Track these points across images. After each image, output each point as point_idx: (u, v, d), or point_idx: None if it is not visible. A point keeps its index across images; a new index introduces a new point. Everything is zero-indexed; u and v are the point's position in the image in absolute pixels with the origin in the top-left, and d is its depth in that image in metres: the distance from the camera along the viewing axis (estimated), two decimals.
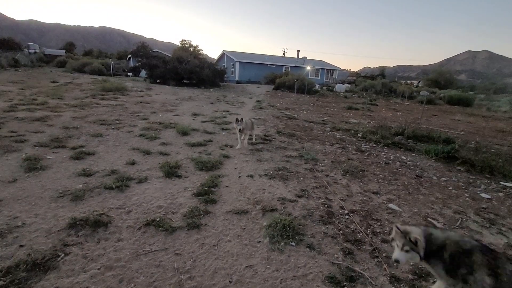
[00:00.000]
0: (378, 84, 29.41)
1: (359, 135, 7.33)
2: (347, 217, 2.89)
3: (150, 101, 10.98)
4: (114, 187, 3.17)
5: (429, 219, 2.96)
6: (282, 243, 2.33)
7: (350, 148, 5.90)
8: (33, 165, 3.63)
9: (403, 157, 5.52)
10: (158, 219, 2.56)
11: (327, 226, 2.67)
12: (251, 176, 3.86)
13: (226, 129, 6.88)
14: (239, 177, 3.83)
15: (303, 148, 5.53)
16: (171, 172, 3.71)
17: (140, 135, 5.66)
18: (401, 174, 4.46)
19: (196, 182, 3.54)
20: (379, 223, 2.81)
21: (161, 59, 20.89)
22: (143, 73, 24.23)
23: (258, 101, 14.48)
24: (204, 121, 7.68)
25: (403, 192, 3.70)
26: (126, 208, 2.77)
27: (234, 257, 2.16)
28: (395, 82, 40.36)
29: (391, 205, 3.22)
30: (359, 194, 3.48)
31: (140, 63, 22.62)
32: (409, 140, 7.20)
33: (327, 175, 4.10)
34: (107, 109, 8.41)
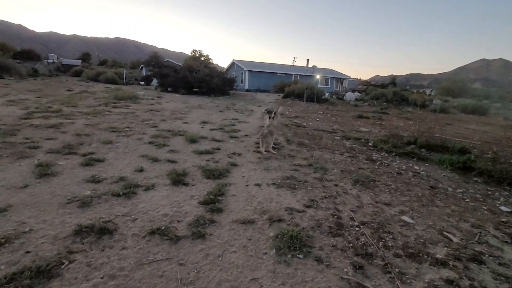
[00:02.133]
0: (389, 93, 29.04)
1: (370, 144, 7.18)
2: (357, 229, 2.78)
3: (160, 109, 11.16)
4: (121, 194, 3.17)
5: (445, 233, 2.81)
6: (289, 255, 2.24)
7: (360, 157, 5.77)
8: (44, 171, 3.70)
9: (416, 167, 5.34)
10: (163, 228, 2.52)
11: (336, 239, 2.57)
12: (258, 185, 3.80)
13: (234, 137, 6.87)
14: (246, 185, 3.77)
15: (312, 157, 5.44)
16: (178, 180, 3.69)
17: (149, 143, 5.71)
18: (414, 185, 4.30)
19: (203, 190, 3.50)
20: (391, 236, 2.68)
21: (172, 68, 21.36)
22: (155, 81, 24.81)
23: (275, 113, 14.49)
24: (213, 129, 7.71)
25: (417, 204, 3.54)
26: (132, 216, 2.75)
27: (239, 268, 2.09)
28: (407, 90, 39.76)
29: (404, 218, 3.08)
30: (370, 205, 3.36)
31: (152, 72, 23.19)
32: (422, 150, 6.99)
33: (336, 185, 3.99)
34: (119, 116, 8.58)
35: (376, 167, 5.18)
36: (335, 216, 2.99)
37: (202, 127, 7.96)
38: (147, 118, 8.65)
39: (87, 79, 28.01)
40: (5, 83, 16.82)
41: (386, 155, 6.22)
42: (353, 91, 34.31)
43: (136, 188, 3.39)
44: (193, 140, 6.05)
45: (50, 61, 51.99)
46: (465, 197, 3.94)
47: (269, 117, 6.50)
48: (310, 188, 3.78)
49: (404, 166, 5.35)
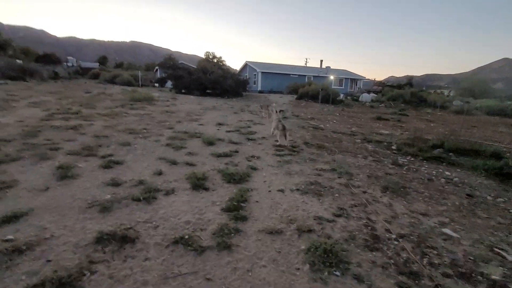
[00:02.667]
0: (406, 94, 28.12)
1: (393, 147, 6.83)
2: (396, 242, 2.53)
3: (176, 110, 11.18)
4: (141, 198, 3.06)
5: (496, 249, 2.51)
6: (326, 273, 2.03)
7: (385, 162, 5.46)
8: (65, 173, 3.66)
9: (447, 173, 4.99)
10: (186, 237, 2.38)
11: (374, 253, 2.34)
12: (281, 190, 3.60)
13: (251, 140, 6.71)
14: (269, 191, 3.59)
15: (334, 161, 5.19)
16: (198, 184, 3.56)
17: (167, 145, 5.64)
18: (449, 193, 3.97)
19: (224, 195, 3.35)
20: (435, 252, 2.42)
21: (186, 70, 21.54)
22: (169, 83, 25.11)
23: (282, 110, 14.27)
24: (229, 131, 7.59)
25: (457, 215, 3.24)
26: (154, 222, 2.63)
27: (272, 286, 1.91)
28: (423, 91, 38.38)
29: (446, 230, 2.80)
30: (405, 215, 3.09)
31: (166, 74, 23.49)
32: (450, 154, 6.57)
33: (364, 192, 3.74)
34: (136, 118, 8.62)
35: (404, 172, 4.87)
36: (369, 227, 2.76)
37: (218, 129, 7.85)
38: (163, 120, 8.64)
39: (104, 81, 28.74)
40: (28, 85, 17.46)
41: (412, 159, 5.87)
42: (368, 92, 33.50)
43: (156, 193, 3.28)
44: (210, 143, 5.94)
45: (70, 64, 53.88)
46: (509, 207, 3.59)
47: (276, 112, 7.43)
48: (337, 195, 3.55)
49: (434, 172, 5.01)
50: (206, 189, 3.51)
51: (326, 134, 8.17)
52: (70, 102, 11.06)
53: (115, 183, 3.49)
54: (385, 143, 7.24)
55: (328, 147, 6.37)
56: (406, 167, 5.17)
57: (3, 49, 36.27)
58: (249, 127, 8.56)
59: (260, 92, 29.20)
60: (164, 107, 11.94)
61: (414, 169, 5.09)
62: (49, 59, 53.22)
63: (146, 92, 16.72)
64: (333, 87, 28.06)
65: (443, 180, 4.57)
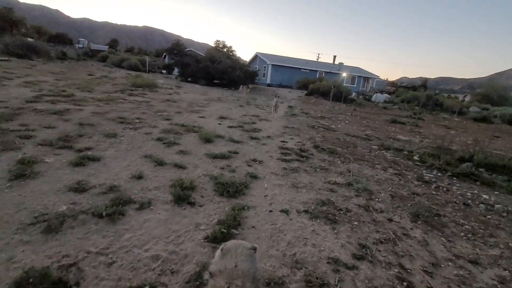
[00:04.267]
0: (422, 96, 26.80)
1: (415, 157, 6.00)
2: None
3: (178, 99, 10.47)
4: (104, 215, 2.37)
5: None
6: None
7: (409, 176, 4.66)
8: (23, 170, 2.99)
9: (485, 196, 4.17)
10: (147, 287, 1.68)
11: None
12: (286, 211, 2.87)
13: (255, 138, 5.96)
14: (270, 211, 2.86)
15: (350, 172, 4.42)
16: (183, 196, 2.84)
17: (158, 139, 4.94)
18: (495, 227, 3.18)
19: (213, 215, 2.63)
20: None
21: (194, 57, 20.73)
22: (177, 70, 24.38)
23: (290, 106, 13.45)
24: (231, 127, 6.85)
25: None
26: (110, 255, 1.93)
27: None
28: (438, 94, 36.73)
29: None
30: (449, 262, 2.33)
31: (173, 61, 22.72)
32: (481, 170, 5.72)
33: (390, 220, 2.97)
34: (132, 105, 7.94)
35: (433, 192, 4.07)
36: (404, 282, 2.01)
37: (220, 124, 7.12)
38: (162, 109, 7.94)
39: (111, 64, 28.16)
40: (32, 64, 16.94)
41: (439, 174, 5.05)
42: (381, 92, 32.17)
43: (126, 206, 2.58)
44: (207, 140, 5.22)
45: (81, 45, 53.60)
46: None
47: (276, 95, 10.84)
48: (356, 222, 2.80)
49: (468, 194, 4.19)
50: (192, 203, 2.80)
51: (339, 136, 7.36)
52: (68, 83, 10.43)
53: (80, 188, 2.81)
54: (405, 152, 6.40)
55: (341, 153, 5.58)
56: (434, 185, 4.37)
57: (16, 26, 35.92)
58: (253, 123, 7.80)
59: (269, 85, 28.25)
60: (166, 95, 11.24)
61: (445, 188, 4.28)
62: (61, 39, 53.06)
63: (150, 78, 16.04)
64: (345, 84, 26.91)
65: (482, 206, 3.77)
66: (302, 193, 3.40)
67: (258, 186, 3.49)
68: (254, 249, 1.35)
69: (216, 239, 2.21)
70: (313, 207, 3.02)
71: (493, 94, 38.73)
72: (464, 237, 2.81)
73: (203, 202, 2.88)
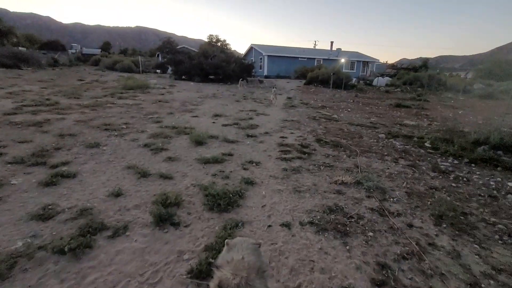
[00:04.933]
0: (424, 77, 26.00)
1: (427, 144, 5.53)
2: None
3: (170, 99, 10.00)
4: (67, 250, 1.96)
5: None
6: None
7: (423, 167, 4.20)
8: None
9: (510, 184, 3.71)
10: None
11: None
12: (287, 225, 2.44)
13: (251, 136, 5.51)
14: (269, 226, 2.44)
15: (358, 168, 3.97)
16: (165, 215, 2.42)
17: (145, 145, 4.52)
18: None
19: (200, 238, 2.22)
20: None
21: (186, 54, 20.13)
22: (170, 69, 23.79)
23: (289, 97, 12.92)
24: (226, 125, 6.40)
25: None
26: None
27: None
28: (440, 73, 35.68)
29: None
30: (490, 280, 1.89)
31: (165, 59, 22.13)
32: (499, 152, 5.24)
33: (410, 225, 2.54)
34: (121, 109, 7.51)
35: (453, 183, 3.62)
36: None
37: (214, 122, 6.67)
38: (152, 111, 7.50)
39: (104, 68, 27.61)
40: (20, 73, 16.49)
41: (456, 162, 4.59)
42: (382, 75, 31.34)
43: (97, 235, 2.17)
44: (199, 142, 4.78)
45: (73, 51, 52.95)
46: None
47: (273, 86, 11.51)
48: (370, 233, 2.37)
49: (492, 183, 3.73)
50: (175, 224, 2.38)
51: (342, 127, 6.88)
52: (54, 91, 9.99)
53: (46, 215, 2.40)
54: (416, 139, 5.92)
55: (346, 146, 5.12)
56: (453, 176, 3.91)
57: (5, 36, 35.30)
58: (250, 118, 7.34)
59: (266, 77, 27.58)
60: (158, 95, 10.77)
61: (464, 179, 3.82)
62: (53, 46, 52.43)
63: (142, 79, 15.55)
64: (344, 70, 26.16)
65: (510, 197, 3.31)
66: (305, 198, 2.97)
67: (255, 193, 3.06)
68: (259, 244, 1.37)
69: (202, 273, 1.79)
70: (319, 217, 2.59)
71: (496, 69, 37.54)
72: (499, 241, 2.37)
73: (189, 221, 2.46)
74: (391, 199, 3.05)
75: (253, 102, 10.94)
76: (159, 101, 9.33)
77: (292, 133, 5.96)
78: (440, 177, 3.86)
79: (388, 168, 4.07)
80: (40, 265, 1.85)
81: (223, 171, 3.63)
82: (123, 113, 7.02)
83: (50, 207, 2.54)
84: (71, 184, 3.07)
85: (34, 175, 3.22)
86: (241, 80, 15.92)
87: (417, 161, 4.49)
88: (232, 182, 3.31)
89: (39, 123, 5.34)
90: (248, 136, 5.50)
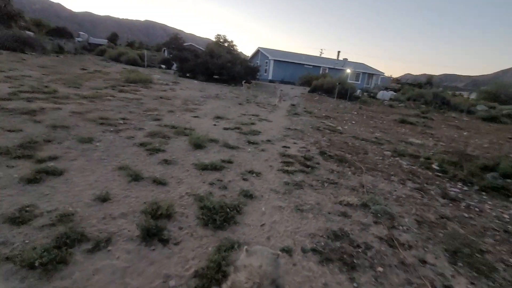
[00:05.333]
0: (428, 94, 25.92)
1: (434, 166, 5.31)
2: None
3: (172, 96, 9.78)
4: (37, 264, 1.71)
5: None
6: None
7: (432, 192, 3.98)
8: None
9: None
10: None
11: None
12: (288, 251, 2.21)
13: (253, 143, 5.28)
14: None
15: (363, 188, 3.74)
16: (154, 229, 2.18)
17: (141, 144, 4.29)
18: None
19: (191, 260, 1.98)
20: None
21: (193, 52, 19.96)
22: (175, 66, 23.60)
23: (293, 105, 12.74)
24: (227, 128, 6.17)
25: None
26: None
27: None
28: (443, 92, 35.64)
29: None
30: None
31: (171, 55, 21.96)
32: (508, 180, 5.03)
33: (423, 261, 2.31)
34: (120, 103, 7.27)
35: (465, 214, 3.39)
36: None
37: (215, 124, 6.44)
38: (152, 108, 7.26)
39: (109, 59, 27.41)
40: (23, 57, 16.25)
41: (465, 188, 4.37)
42: (386, 89, 31.27)
43: (75, 247, 1.93)
44: (198, 145, 4.55)
45: (80, 39, 52.82)
46: None
47: (280, 89, 12.57)
48: (380, 268, 2.13)
49: (505, 216, 3.51)
50: (164, 241, 2.14)
51: (346, 140, 6.67)
52: (55, 79, 9.75)
53: (21, 219, 2.15)
54: (422, 159, 5.71)
55: (352, 162, 4.90)
56: (464, 204, 3.69)
57: (13, 19, 35.08)
58: (252, 123, 7.12)
59: (271, 81, 27.45)
60: (160, 91, 10.55)
61: (476, 209, 3.60)
62: (61, 33, 52.35)
63: (146, 73, 15.33)
64: (349, 81, 26.07)
65: None
66: (308, 219, 2.73)
67: (254, 209, 2.82)
68: (278, 255, 1.34)
69: None
70: (323, 243, 2.35)
71: (500, 92, 37.50)
72: None
73: (180, 237, 2.21)
74: (401, 227, 2.81)
75: (256, 106, 10.73)
76: (161, 98, 9.11)
77: (295, 143, 5.74)
78: (451, 205, 3.63)
79: (395, 190, 3.85)
80: (5, 279, 1.60)
81: (221, 180, 3.39)
82: (122, 107, 6.78)
83: (28, 208, 2.29)
84: (56, 182, 2.83)
85: (17, 169, 2.97)
86: (245, 82, 15.70)
87: (425, 184, 4.27)
88: (230, 193, 3.08)
89: (33, 112, 5.10)
90: (249, 142, 5.28)
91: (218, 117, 7.24)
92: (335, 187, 3.67)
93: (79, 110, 5.82)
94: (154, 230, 2.17)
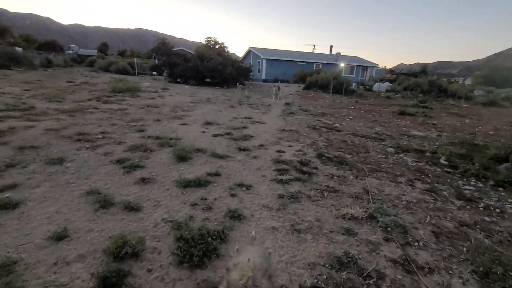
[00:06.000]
0: (424, 83, 25.53)
1: (442, 161, 4.89)
2: None
3: (160, 104, 9.34)
4: None
5: None
6: None
7: (445, 193, 3.56)
8: None
9: None
10: None
11: None
12: None
13: (244, 149, 4.85)
14: None
15: (368, 194, 3.32)
16: (113, 277, 1.74)
17: (118, 161, 3.85)
18: None
19: None
20: None
21: (182, 56, 19.50)
22: (166, 72, 23.13)
23: (287, 103, 12.31)
24: (217, 135, 5.73)
25: None
26: None
27: None
28: (438, 79, 35.27)
29: None
30: None
31: (160, 61, 21.51)
32: None
33: None
34: (103, 115, 6.83)
35: (486, 218, 2.96)
36: None
37: (204, 131, 6.01)
38: (137, 118, 6.83)
39: (99, 69, 26.94)
40: (6, 74, 15.77)
41: (480, 185, 3.95)
42: (381, 80, 30.88)
43: None
44: (182, 158, 4.11)
45: (70, 52, 52.33)
46: None
47: (277, 87, 12.93)
48: None
49: None
50: None
51: (345, 138, 6.24)
52: (36, 94, 9.31)
53: None
54: (428, 154, 5.29)
55: (352, 163, 4.48)
56: (482, 205, 3.27)
57: (1, 35, 34.55)
58: (244, 127, 6.69)
59: (264, 81, 27.02)
60: (148, 100, 10.10)
61: (497, 209, 3.18)
62: (51, 46, 51.86)
63: (134, 81, 14.88)
64: (343, 75, 25.66)
65: None
66: (306, 243, 2.30)
67: (242, 234, 2.39)
68: (269, 253, 1.48)
69: None
70: (325, 276, 1.92)
71: (495, 76, 37.13)
72: None
73: (147, 284, 1.78)
74: (416, 243, 2.39)
75: (249, 108, 10.30)
76: (148, 106, 8.66)
77: (290, 146, 5.31)
78: (468, 207, 3.21)
79: (404, 194, 3.42)
80: None
81: (206, 199, 2.96)
82: (103, 120, 6.34)
83: None
84: (7, 218, 2.39)
85: None
86: (239, 84, 15.24)
87: (436, 184, 3.85)
88: (215, 215, 2.64)
89: (2, 133, 4.65)
90: (240, 149, 4.84)
91: (207, 123, 6.81)
92: (336, 196, 3.24)
93: (55, 126, 5.38)
94: (113, 279, 1.73)
